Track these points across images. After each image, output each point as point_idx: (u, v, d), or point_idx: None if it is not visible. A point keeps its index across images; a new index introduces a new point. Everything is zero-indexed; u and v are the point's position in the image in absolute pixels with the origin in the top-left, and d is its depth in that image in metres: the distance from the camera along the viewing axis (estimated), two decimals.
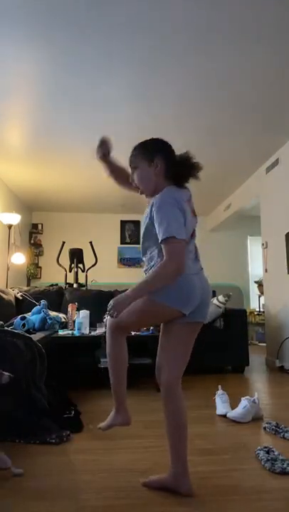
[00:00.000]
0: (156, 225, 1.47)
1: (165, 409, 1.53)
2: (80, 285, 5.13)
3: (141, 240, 1.63)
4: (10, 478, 1.61)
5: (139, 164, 1.57)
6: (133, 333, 3.21)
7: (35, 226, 7.21)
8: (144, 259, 1.64)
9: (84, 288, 5.03)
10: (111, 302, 1.45)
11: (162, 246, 1.45)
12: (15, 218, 5.20)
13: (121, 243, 7.37)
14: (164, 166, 1.55)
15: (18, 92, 3.21)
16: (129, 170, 1.66)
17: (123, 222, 7.39)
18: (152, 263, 1.56)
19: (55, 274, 6.55)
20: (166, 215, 1.45)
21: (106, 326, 1.66)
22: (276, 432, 2.16)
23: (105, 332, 1.66)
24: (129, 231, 7.40)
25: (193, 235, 1.59)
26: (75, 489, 1.48)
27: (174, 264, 1.42)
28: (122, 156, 1.81)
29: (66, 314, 3.85)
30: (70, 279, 5.32)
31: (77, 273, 5.21)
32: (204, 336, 4.03)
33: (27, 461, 1.79)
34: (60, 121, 3.74)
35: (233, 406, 2.54)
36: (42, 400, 2.29)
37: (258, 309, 6.87)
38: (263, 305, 5.56)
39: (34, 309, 3.72)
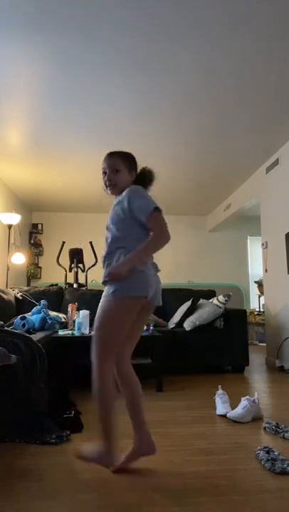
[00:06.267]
0: (135, 208, 1.65)
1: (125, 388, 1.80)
2: (80, 285, 5.13)
3: (109, 225, 1.75)
4: (9, 479, 1.61)
5: (120, 168, 1.77)
6: None
7: (35, 226, 7.21)
8: (108, 241, 1.74)
9: (84, 288, 5.02)
10: (106, 273, 1.63)
11: (150, 218, 1.63)
12: (15, 218, 5.20)
13: None
14: (134, 177, 1.82)
15: (18, 93, 3.21)
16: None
17: None
18: (118, 243, 1.68)
19: (55, 274, 6.57)
20: (145, 196, 1.69)
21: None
22: (276, 432, 2.16)
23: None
24: None
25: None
26: (75, 489, 1.48)
27: (167, 233, 1.63)
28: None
29: (66, 314, 3.85)
30: (70, 279, 5.32)
31: (77, 273, 5.21)
32: (204, 336, 4.01)
33: (27, 461, 1.79)
34: (60, 122, 3.74)
35: (233, 406, 2.55)
36: (42, 400, 2.29)
37: (258, 309, 6.87)
38: (263, 305, 5.56)
39: (34, 309, 3.73)
